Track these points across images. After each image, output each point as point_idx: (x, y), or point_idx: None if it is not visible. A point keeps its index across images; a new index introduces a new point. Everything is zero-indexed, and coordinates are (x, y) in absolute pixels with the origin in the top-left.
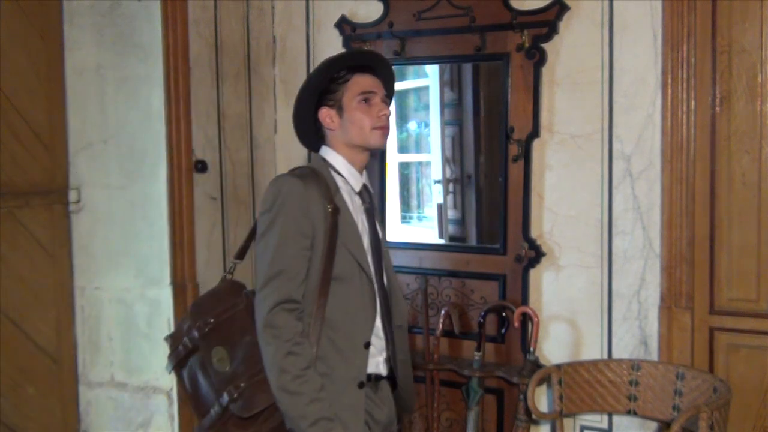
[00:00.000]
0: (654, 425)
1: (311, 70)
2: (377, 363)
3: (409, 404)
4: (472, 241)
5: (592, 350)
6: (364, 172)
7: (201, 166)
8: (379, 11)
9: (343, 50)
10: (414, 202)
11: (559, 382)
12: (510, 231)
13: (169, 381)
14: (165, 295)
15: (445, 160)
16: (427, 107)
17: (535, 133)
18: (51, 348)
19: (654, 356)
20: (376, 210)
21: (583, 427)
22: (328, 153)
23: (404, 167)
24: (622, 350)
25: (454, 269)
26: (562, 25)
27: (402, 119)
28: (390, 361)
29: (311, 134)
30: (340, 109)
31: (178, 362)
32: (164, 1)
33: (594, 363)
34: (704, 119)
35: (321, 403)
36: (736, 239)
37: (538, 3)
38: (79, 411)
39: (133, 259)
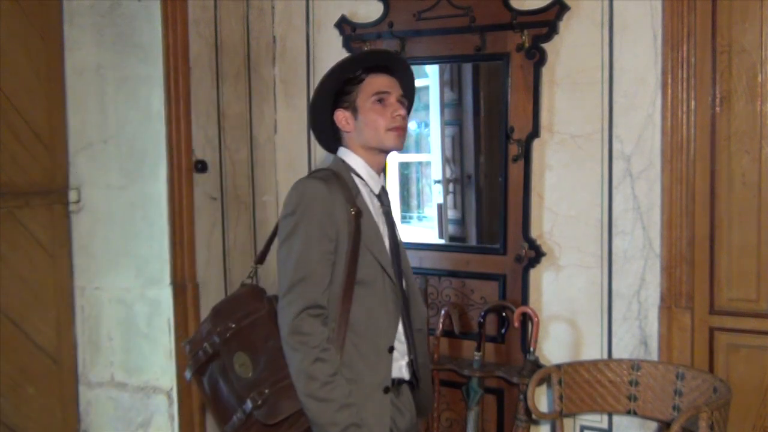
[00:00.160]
0: (654, 425)
1: (325, 72)
2: (400, 367)
3: (428, 407)
4: (472, 241)
5: (592, 350)
6: (383, 174)
7: (201, 166)
8: (379, 11)
9: (343, 49)
10: (414, 202)
11: (559, 382)
12: (510, 231)
13: (169, 381)
14: (165, 295)
15: (445, 160)
16: (427, 107)
17: (535, 133)
18: (51, 348)
19: (654, 356)
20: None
21: (583, 427)
22: (346, 155)
23: (404, 167)
24: (622, 350)
25: (454, 269)
26: (562, 25)
27: None
28: (412, 364)
29: (329, 136)
30: (354, 111)
31: (198, 368)
32: (164, 1)
33: (594, 363)
34: (704, 119)
35: (350, 410)
36: (736, 239)
37: (538, 3)
38: (79, 411)
39: (133, 259)
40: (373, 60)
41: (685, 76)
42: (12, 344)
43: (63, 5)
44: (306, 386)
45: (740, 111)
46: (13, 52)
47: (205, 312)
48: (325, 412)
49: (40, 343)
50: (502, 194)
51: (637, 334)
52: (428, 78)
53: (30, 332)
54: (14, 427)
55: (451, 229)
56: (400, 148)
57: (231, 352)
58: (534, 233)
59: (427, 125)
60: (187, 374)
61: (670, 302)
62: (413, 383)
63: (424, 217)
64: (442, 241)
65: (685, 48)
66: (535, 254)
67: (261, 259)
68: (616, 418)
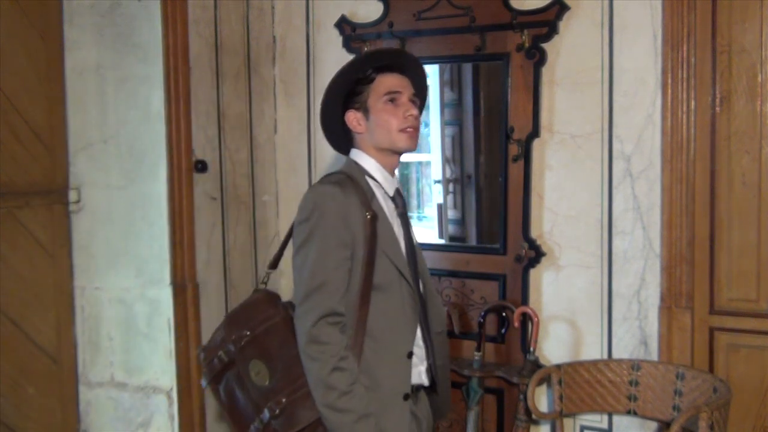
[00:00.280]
0: (654, 425)
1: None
2: (419, 372)
3: (445, 411)
4: (472, 241)
5: (592, 350)
6: (396, 175)
7: (201, 166)
8: (379, 11)
9: (343, 49)
10: (414, 202)
11: (559, 382)
12: (510, 231)
13: (169, 381)
14: (165, 295)
15: (445, 160)
16: (427, 107)
17: (535, 133)
18: (51, 348)
19: (654, 356)
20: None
21: (583, 427)
22: (359, 156)
23: (404, 167)
24: (622, 350)
25: (454, 269)
26: (562, 25)
27: None
28: (431, 369)
29: (341, 137)
30: (366, 112)
31: (214, 377)
32: (164, 1)
33: (594, 363)
34: (704, 119)
35: (369, 420)
36: (736, 239)
37: (538, 3)
38: (79, 411)
39: (133, 259)
40: (383, 59)
41: (685, 76)
42: (12, 344)
43: (63, 5)
44: (324, 396)
45: (740, 111)
46: (13, 52)
47: (205, 312)
48: (344, 423)
49: (40, 343)
50: (502, 194)
51: (637, 334)
52: (428, 78)
53: (30, 332)
54: (14, 427)
55: (451, 229)
56: (413, 149)
57: (246, 360)
58: (534, 233)
59: (427, 125)
60: (203, 382)
61: (670, 302)
62: (432, 388)
63: (424, 217)
64: (442, 241)
65: (685, 48)
66: (535, 254)
67: (275, 264)
68: (616, 418)
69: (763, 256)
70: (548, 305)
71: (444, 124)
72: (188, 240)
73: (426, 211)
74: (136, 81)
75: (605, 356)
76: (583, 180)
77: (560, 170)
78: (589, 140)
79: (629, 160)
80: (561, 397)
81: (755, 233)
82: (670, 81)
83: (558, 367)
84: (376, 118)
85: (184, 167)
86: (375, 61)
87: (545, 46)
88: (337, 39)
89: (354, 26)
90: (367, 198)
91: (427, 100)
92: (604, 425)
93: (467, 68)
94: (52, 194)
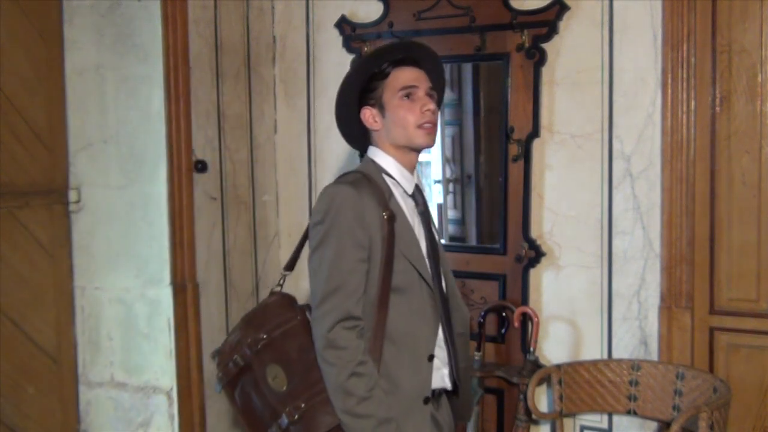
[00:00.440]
0: (654, 425)
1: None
2: (442, 376)
3: (467, 415)
4: (472, 241)
5: (592, 350)
6: (416, 172)
7: (201, 166)
8: (379, 11)
9: (343, 49)
10: None
11: (559, 382)
12: (510, 231)
13: (169, 381)
14: (165, 295)
15: (445, 160)
16: None
17: (535, 133)
18: (51, 348)
19: (654, 356)
20: (429, 211)
21: (583, 427)
22: (376, 154)
23: None
24: (622, 350)
25: (454, 269)
26: (562, 25)
27: None
28: (453, 372)
29: (357, 135)
30: (381, 108)
31: (229, 381)
32: (164, 1)
33: (594, 363)
34: (704, 119)
35: (389, 425)
36: (736, 239)
37: (538, 3)
38: (79, 411)
39: (133, 259)
40: (397, 53)
41: (685, 76)
42: (12, 344)
43: (63, 5)
44: (343, 402)
45: (740, 111)
46: (13, 52)
47: (205, 312)
48: (364, 429)
49: (40, 343)
50: (502, 194)
51: (637, 334)
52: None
53: (30, 332)
54: (14, 427)
55: (451, 229)
56: (432, 145)
57: (263, 365)
58: (534, 233)
59: None
60: (217, 387)
61: (670, 302)
62: (455, 391)
63: None
64: (442, 241)
65: (685, 48)
66: (535, 254)
67: (290, 266)
68: (616, 418)
69: (763, 256)
70: (548, 305)
71: (444, 124)
72: (188, 240)
73: None
74: (136, 81)
75: (605, 356)
76: (583, 180)
77: (560, 170)
78: (589, 140)
79: (629, 160)
80: (561, 397)
81: (755, 233)
82: (670, 81)
83: (558, 367)
84: (392, 114)
85: (184, 167)
86: (389, 55)
87: (545, 46)
88: (337, 39)
89: (354, 26)
90: (384, 197)
91: (444, 93)
92: (604, 425)
93: (467, 68)
94: (52, 194)
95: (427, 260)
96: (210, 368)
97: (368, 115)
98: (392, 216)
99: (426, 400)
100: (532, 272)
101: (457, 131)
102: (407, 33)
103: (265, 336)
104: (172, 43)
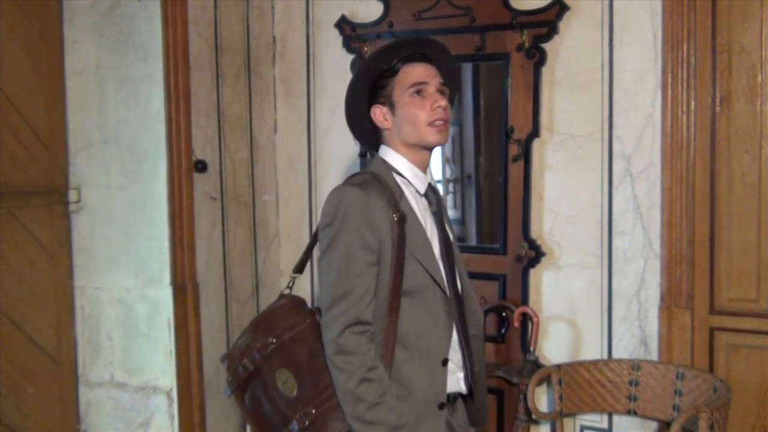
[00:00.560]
0: (654, 425)
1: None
2: (458, 380)
3: (483, 419)
4: (472, 241)
5: (592, 350)
6: (429, 170)
7: (201, 166)
8: (379, 11)
9: (343, 49)
10: None
11: (559, 382)
12: (510, 231)
13: (169, 381)
14: (165, 295)
15: (445, 160)
16: None
17: (535, 133)
18: (51, 348)
19: (654, 356)
20: (444, 210)
21: (583, 427)
22: (387, 153)
23: None
24: (622, 350)
25: None
26: (562, 25)
27: None
28: (468, 376)
29: (369, 134)
30: (391, 106)
31: (239, 385)
32: (164, 1)
33: (594, 363)
34: (704, 119)
35: (401, 431)
36: (736, 239)
37: (538, 3)
38: (79, 411)
39: (133, 259)
40: (406, 49)
41: (685, 76)
42: (12, 344)
43: (63, 5)
44: (353, 408)
45: (740, 111)
46: (13, 52)
47: (205, 312)
48: None
49: (40, 343)
50: (502, 194)
51: (637, 334)
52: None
53: (30, 332)
54: (14, 427)
55: None
56: (444, 143)
57: (273, 369)
58: (534, 233)
59: None
60: (227, 391)
61: (670, 302)
62: (470, 395)
63: None
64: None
65: (685, 48)
66: (535, 254)
67: (300, 268)
68: (616, 418)
69: (763, 256)
70: (548, 305)
71: None
72: (188, 240)
73: None
74: (136, 81)
75: (605, 356)
76: (583, 180)
77: (560, 170)
78: (589, 140)
79: (629, 160)
80: (561, 397)
81: (755, 233)
82: (670, 81)
83: (558, 367)
84: (403, 112)
85: (184, 167)
86: (397, 52)
87: (545, 46)
88: (337, 39)
89: (354, 26)
90: (395, 198)
91: (459, 88)
92: (604, 425)
93: (467, 68)
94: (52, 194)
95: (440, 262)
96: (210, 368)
97: (378, 114)
98: (402, 217)
99: (441, 406)
100: (532, 272)
101: (457, 131)
102: (407, 33)
103: (274, 340)
104: (172, 43)
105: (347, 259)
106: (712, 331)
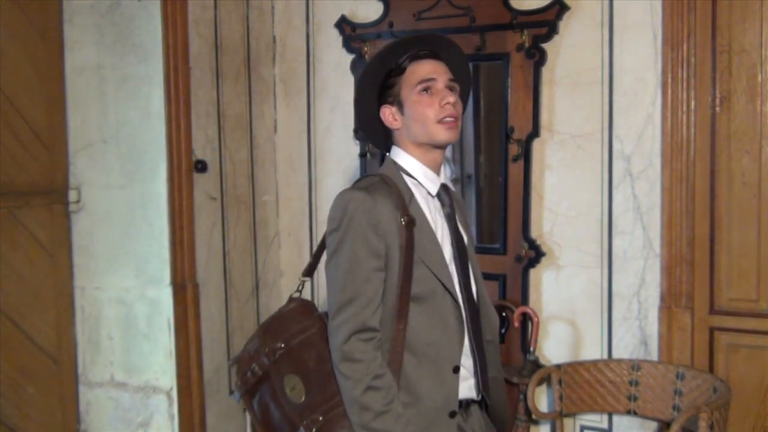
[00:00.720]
0: (654, 425)
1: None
2: (469, 386)
3: (504, 426)
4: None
5: (592, 350)
6: (442, 170)
7: (201, 166)
8: (379, 11)
9: (343, 49)
10: None
11: (559, 382)
12: (510, 231)
13: (169, 381)
14: (165, 295)
15: (445, 160)
16: None
17: (535, 133)
18: (51, 348)
19: (654, 356)
20: (461, 209)
21: (583, 427)
22: (398, 154)
23: None
24: (622, 350)
25: None
26: (562, 25)
27: None
28: (479, 383)
29: (380, 135)
30: (400, 105)
31: (248, 390)
32: (164, 1)
33: (594, 363)
34: (704, 119)
35: None
36: (736, 239)
37: (538, 3)
38: (79, 411)
39: (133, 259)
40: (410, 46)
41: (685, 76)
42: (12, 344)
43: (63, 5)
44: (359, 417)
45: (740, 111)
46: (13, 52)
47: (205, 312)
48: None
49: (40, 343)
50: (502, 194)
51: (637, 334)
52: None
53: (30, 332)
54: (14, 427)
55: None
56: (454, 140)
57: (281, 375)
58: (534, 233)
59: None
60: (236, 396)
61: (670, 302)
62: (485, 401)
63: None
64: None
65: (685, 48)
66: (535, 254)
67: (309, 272)
68: (616, 418)
69: (763, 256)
70: (548, 305)
71: None
72: (188, 240)
73: None
74: (136, 81)
75: (605, 356)
76: (583, 180)
77: (560, 170)
78: (589, 140)
79: (629, 160)
80: (561, 397)
81: (755, 233)
82: (670, 81)
83: (558, 367)
84: (411, 111)
85: (184, 167)
86: (402, 49)
87: (545, 46)
88: (337, 39)
89: (354, 26)
90: (403, 201)
91: (470, 84)
92: (604, 425)
93: None
94: (52, 194)
95: (452, 265)
96: (210, 368)
97: (387, 114)
98: (411, 221)
99: (452, 414)
100: (532, 272)
101: None
102: (407, 33)
103: (283, 345)
104: (172, 43)
105: (353, 265)
106: (712, 331)
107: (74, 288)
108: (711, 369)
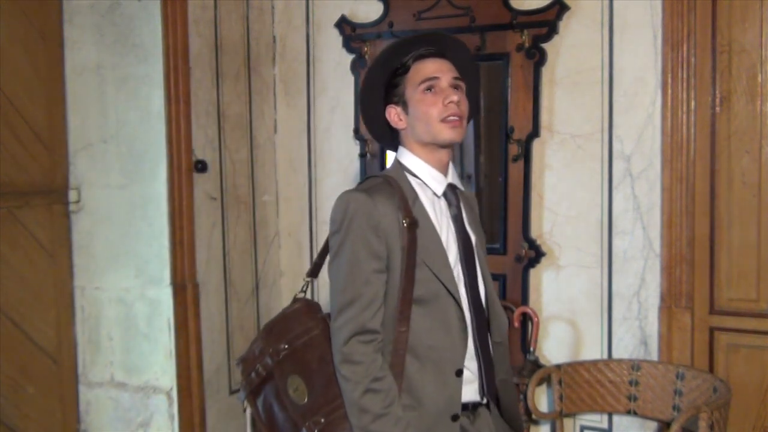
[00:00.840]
0: (654, 425)
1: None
2: (474, 389)
3: (518, 428)
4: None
5: (592, 350)
6: (450, 169)
7: (201, 166)
8: (379, 11)
9: (343, 49)
10: None
11: (559, 382)
12: (510, 231)
13: (169, 381)
14: (165, 295)
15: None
16: None
17: (535, 133)
18: (51, 348)
19: (654, 356)
20: (473, 210)
21: (583, 427)
22: (403, 155)
23: None
24: (622, 350)
25: None
26: (562, 25)
27: None
28: (483, 386)
29: (388, 136)
30: (404, 105)
31: (252, 390)
32: (164, 1)
33: (594, 363)
34: (704, 119)
35: None
36: (736, 239)
37: (538, 3)
38: (79, 411)
39: (133, 259)
40: (411, 46)
41: (685, 76)
42: (12, 344)
43: (63, 5)
44: (359, 419)
45: (740, 111)
46: (13, 52)
47: (205, 312)
48: None
49: (40, 343)
50: (502, 194)
51: (637, 334)
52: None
53: (30, 332)
54: (14, 427)
55: None
56: (458, 140)
57: (285, 375)
58: (534, 233)
59: None
60: (241, 395)
61: (670, 302)
62: (496, 404)
63: None
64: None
65: (685, 48)
66: (535, 254)
67: (314, 272)
68: (616, 418)
69: (763, 256)
70: (548, 305)
71: None
72: (188, 240)
73: None
74: (136, 81)
75: (605, 356)
76: (583, 180)
77: (560, 170)
78: (589, 140)
79: (629, 160)
80: (561, 397)
81: (755, 233)
82: (670, 81)
83: (558, 367)
84: (415, 110)
85: (184, 167)
86: (405, 49)
87: (545, 46)
88: (337, 39)
89: (354, 26)
90: (407, 203)
91: (479, 81)
92: (604, 425)
93: None
94: (52, 194)
95: (459, 266)
96: (210, 368)
97: (393, 114)
98: (413, 223)
99: (455, 417)
100: (532, 272)
101: None
102: (407, 33)
103: (286, 346)
104: (172, 43)
105: (353, 267)
106: (712, 331)
107: (74, 288)
108: (711, 369)
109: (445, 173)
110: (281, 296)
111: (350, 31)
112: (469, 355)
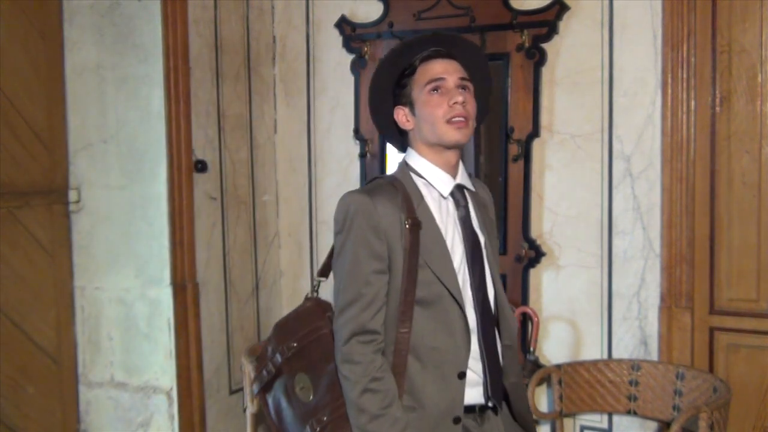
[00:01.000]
0: (654, 425)
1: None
2: (479, 392)
3: (530, 428)
4: None
5: (592, 350)
6: (460, 170)
7: (201, 166)
8: (379, 11)
9: (343, 49)
10: None
11: (559, 382)
12: (510, 231)
13: (169, 381)
14: (165, 295)
15: None
16: None
17: (535, 133)
18: (51, 348)
19: (654, 356)
20: (486, 211)
21: (583, 427)
22: (410, 156)
23: None
24: (622, 350)
25: None
26: (562, 25)
27: None
28: (488, 389)
29: (397, 136)
30: (411, 106)
31: (263, 386)
32: (164, 1)
33: (594, 363)
34: (704, 119)
35: None
36: (736, 239)
37: (538, 3)
38: (79, 411)
39: (133, 259)
40: (417, 47)
41: (685, 76)
42: (12, 344)
43: (63, 5)
44: (357, 419)
45: (740, 111)
46: (13, 52)
47: (205, 312)
48: None
49: (40, 343)
50: (502, 194)
51: (637, 334)
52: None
53: (30, 332)
54: (14, 427)
55: None
56: (464, 141)
57: (292, 373)
58: (534, 233)
59: None
60: (255, 388)
61: (670, 302)
62: (508, 407)
63: None
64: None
65: (685, 48)
66: (535, 254)
67: (324, 272)
68: (616, 418)
69: (763, 256)
70: (548, 305)
71: None
72: (188, 240)
73: None
74: (136, 81)
75: (605, 356)
76: (583, 180)
77: (560, 170)
78: (589, 140)
79: (629, 160)
80: (561, 397)
81: (755, 233)
82: (670, 81)
83: (558, 367)
84: (421, 111)
85: (184, 167)
86: (410, 50)
87: (545, 46)
88: (337, 39)
89: (354, 26)
90: (410, 203)
91: (490, 81)
92: (604, 425)
93: None
94: (52, 194)
95: (464, 268)
96: (210, 368)
97: (401, 115)
98: (416, 224)
99: (456, 420)
100: (532, 272)
101: None
102: (407, 33)
103: (295, 344)
104: (172, 43)
105: (354, 267)
106: (712, 331)
107: (74, 288)
108: (711, 369)
109: (453, 174)
110: (281, 296)
111: (350, 31)
112: (474, 357)
